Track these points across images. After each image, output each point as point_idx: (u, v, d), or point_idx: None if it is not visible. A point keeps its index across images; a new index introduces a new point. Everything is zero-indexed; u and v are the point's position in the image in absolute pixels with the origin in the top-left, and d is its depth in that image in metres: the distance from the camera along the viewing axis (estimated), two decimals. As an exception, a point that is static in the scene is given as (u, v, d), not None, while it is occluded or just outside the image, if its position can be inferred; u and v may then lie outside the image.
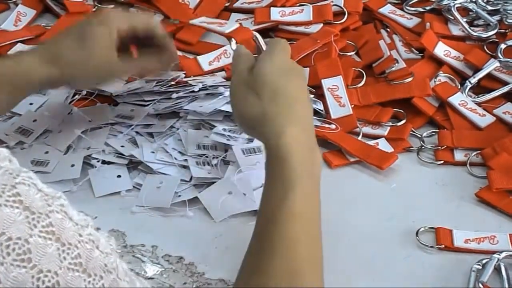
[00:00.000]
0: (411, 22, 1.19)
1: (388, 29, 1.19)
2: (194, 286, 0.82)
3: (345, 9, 1.18)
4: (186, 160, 0.95)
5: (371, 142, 1.00)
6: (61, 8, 1.26)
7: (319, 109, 1.03)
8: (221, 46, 1.13)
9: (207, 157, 0.95)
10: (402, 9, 1.22)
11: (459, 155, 0.99)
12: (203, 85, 1.02)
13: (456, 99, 1.05)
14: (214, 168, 0.94)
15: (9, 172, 0.56)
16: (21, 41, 1.18)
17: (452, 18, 1.18)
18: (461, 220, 0.90)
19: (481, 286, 0.80)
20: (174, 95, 1.01)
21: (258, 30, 1.18)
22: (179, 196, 0.92)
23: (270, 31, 1.19)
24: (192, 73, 1.08)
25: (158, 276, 0.83)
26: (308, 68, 1.08)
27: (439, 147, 1.00)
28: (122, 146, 0.97)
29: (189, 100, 1.02)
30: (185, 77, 1.06)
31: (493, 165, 0.95)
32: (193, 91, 1.02)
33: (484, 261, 0.83)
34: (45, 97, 1.06)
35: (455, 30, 1.17)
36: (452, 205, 0.93)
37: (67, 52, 0.91)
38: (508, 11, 1.18)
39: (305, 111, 0.82)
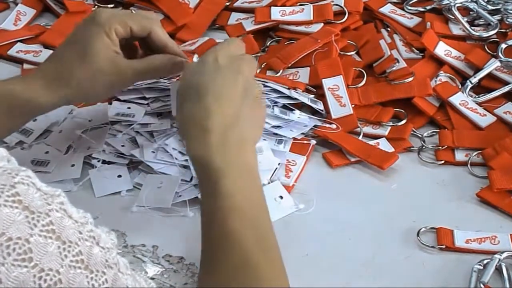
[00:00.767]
0: (411, 21, 1.19)
1: (389, 29, 1.19)
2: (195, 287, 0.82)
3: (345, 9, 1.17)
4: (186, 160, 0.95)
5: (372, 142, 1.00)
6: (61, 8, 1.26)
7: (320, 109, 1.03)
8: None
9: (207, 157, 0.95)
10: (402, 9, 1.22)
11: (460, 155, 0.99)
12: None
13: (457, 99, 1.05)
14: (215, 168, 0.94)
15: (7, 171, 0.56)
16: (21, 41, 1.18)
17: (453, 17, 1.18)
18: (462, 220, 0.90)
19: (482, 286, 0.80)
20: None
21: (258, 30, 1.18)
22: (180, 196, 0.92)
23: (271, 30, 1.19)
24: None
25: (159, 276, 0.83)
26: (308, 68, 1.08)
27: (440, 147, 1.00)
28: (123, 146, 0.97)
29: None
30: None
31: (494, 165, 0.95)
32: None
33: (485, 261, 0.83)
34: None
35: (456, 30, 1.17)
36: (453, 205, 0.93)
37: (73, 68, 0.87)
38: (509, 11, 1.18)
39: (227, 110, 0.78)
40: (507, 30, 1.16)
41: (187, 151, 0.81)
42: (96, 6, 1.26)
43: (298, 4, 1.20)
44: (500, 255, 0.83)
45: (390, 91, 1.06)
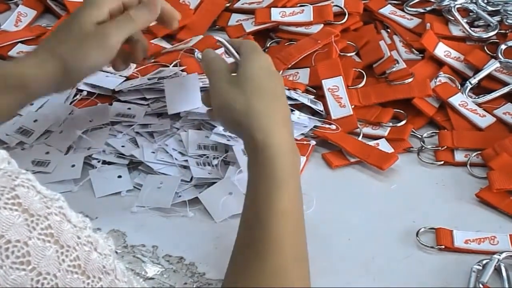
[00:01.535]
0: (411, 22, 1.19)
1: (389, 30, 1.19)
2: (194, 287, 0.82)
3: (345, 10, 1.18)
4: (186, 160, 0.95)
5: (372, 143, 1.00)
6: (62, 9, 1.26)
7: (320, 110, 1.03)
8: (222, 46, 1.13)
9: (207, 157, 0.95)
10: (402, 10, 1.22)
11: (459, 156, 0.99)
12: (203, 84, 1.02)
13: (457, 100, 1.05)
14: (215, 169, 0.94)
15: (8, 174, 0.56)
16: (22, 42, 1.18)
17: (453, 18, 1.18)
18: (461, 221, 0.90)
19: (481, 286, 0.80)
20: None
21: (258, 31, 1.18)
22: (180, 196, 0.92)
23: (271, 31, 1.19)
24: (192, 72, 1.08)
25: (159, 276, 0.83)
26: (308, 69, 1.08)
27: (440, 148, 1.00)
28: (123, 146, 0.97)
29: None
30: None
31: (493, 166, 0.95)
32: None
33: (484, 262, 0.83)
34: (46, 97, 1.06)
35: (456, 31, 1.17)
36: (452, 205, 0.93)
37: (60, 39, 0.88)
38: (509, 12, 1.18)
39: (287, 111, 0.83)
40: (507, 31, 1.16)
41: (261, 143, 0.78)
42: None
43: (298, 5, 1.20)
44: (499, 256, 0.83)
45: (390, 92, 1.06)
